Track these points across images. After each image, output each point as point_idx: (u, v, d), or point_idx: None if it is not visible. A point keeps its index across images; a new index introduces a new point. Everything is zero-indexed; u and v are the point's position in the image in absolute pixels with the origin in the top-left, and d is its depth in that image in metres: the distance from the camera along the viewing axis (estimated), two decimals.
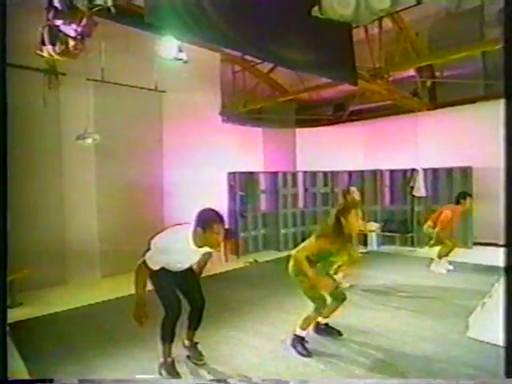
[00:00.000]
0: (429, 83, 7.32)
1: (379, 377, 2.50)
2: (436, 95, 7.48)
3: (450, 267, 5.14)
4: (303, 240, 7.87)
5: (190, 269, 2.66)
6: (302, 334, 2.87)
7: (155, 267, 2.38)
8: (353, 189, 5.03)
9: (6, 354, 2.25)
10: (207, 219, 2.32)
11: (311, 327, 3.01)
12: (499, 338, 2.85)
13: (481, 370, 2.54)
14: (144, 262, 2.39)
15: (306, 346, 2.84)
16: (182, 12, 3.34)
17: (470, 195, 5.32)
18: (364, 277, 4.75)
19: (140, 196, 5.80)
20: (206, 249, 2.49)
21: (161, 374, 2.55)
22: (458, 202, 5.20)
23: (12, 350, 2.77)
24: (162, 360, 2.57)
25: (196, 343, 2.77)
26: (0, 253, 2.19)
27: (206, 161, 6.50)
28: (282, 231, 7.29)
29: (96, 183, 5.41)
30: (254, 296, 4.32)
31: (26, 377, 2.56)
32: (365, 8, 3.71)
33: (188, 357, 2.75)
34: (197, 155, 6.39)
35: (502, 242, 6.16)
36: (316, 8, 4.12)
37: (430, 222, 5.28)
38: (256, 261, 6.34)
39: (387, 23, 5.66)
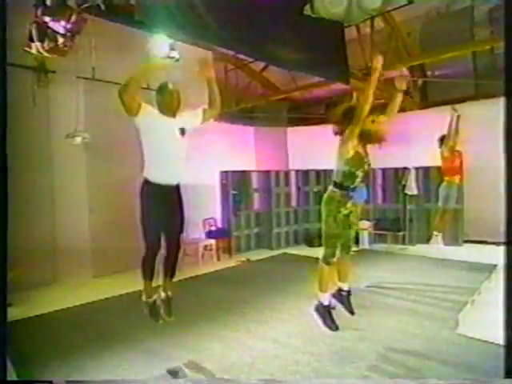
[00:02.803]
0: (420, 82, 7.38)
1: (371, 375, 2.52)
2: (427, 94, 7.54)
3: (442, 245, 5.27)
4: (296, 239, 7.86)
5: (179, 208, 2.73)
6: (325, 299, 2.79)
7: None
8: None
9: (5, 354, 2.21)
10: (159, 86, 2.68)
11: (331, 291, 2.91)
12: (489, 335, 2.90)
13: (470, 366, 2.57)
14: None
15: (334, 316, 2.76)
16: (173, 10, 3.32)
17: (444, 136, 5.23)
18: (355, 275, 4.76)
19: (131, 195, 5.72)
20: (180, 122, 2.63)
21: (144, 311, 2.68)
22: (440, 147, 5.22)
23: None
24: (143, 297, 2.69)
25: (170, 298, 2.77)
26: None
27: (197, 159, 6.46)
28: (275, 230, 7.30)
29: (87, 182, 5.36)
30: (247, 295, 4.31)
31: (14, 378, 2.52)
32: (356, 7, 3.72)
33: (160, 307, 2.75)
34: (189, 154, 6.34)
35: (491, 240, 6.26)
36: (308, 7, 4.13)
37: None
38: (249, 260, 6.34)
39: (379, 23, 5.68)
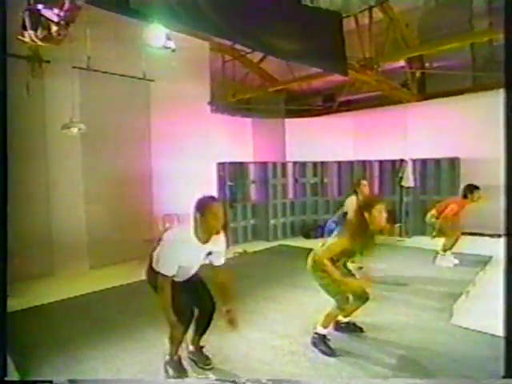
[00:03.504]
0: (418, 74, 7.35)
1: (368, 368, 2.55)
2: (425, 86, 7.52)
3: (456, 261, 4.96)
4: (292, 231, 7.88)
5: (199, 276, 2.56)
6: (324, 331, 2.75)
7: (169, 271, 2.24)
8: (364, 182, 4.73)
9: (5, 354, 2.20)
10: (204, 203, 2.24)
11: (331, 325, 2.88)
12: (483, 325, 2.93)
13: (464, 356, 2.60)
14: (161, 274, 2.24)
15: (329, 344, 2.72)
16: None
17: (478, 188, 4.81)
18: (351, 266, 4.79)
19: (128, 186, 5.74)
20: (211, 246, 2.34)
21: (166, 371, 2.46)
22: (465, 196, 4.85)
23: None
24: (167, 358, 2.48)
25: (202, 347, 2.64)
26: None
27: (194, 151, 6.44)
28: (272, 221, 7.31)
29: (83, 173, 5.33)
30: (243, 286, 4.33)
31: (13, 370, 2.53)
32: None
33: (193, 361, 2.61)
34: (185, 145, 6.33)
35: (487, 232, 6.27)
36: None
37: (433, 212, 5.06)
38: (245, 251, 6.35)
39: (377, 14, 5.64)
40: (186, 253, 2.27)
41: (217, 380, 2.47)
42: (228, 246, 7.06)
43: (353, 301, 2.71)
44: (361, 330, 3.02)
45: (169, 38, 4.65)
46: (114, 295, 4.15)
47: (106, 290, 4.28)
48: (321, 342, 2.73)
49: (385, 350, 2.74)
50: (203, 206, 2.22)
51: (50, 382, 2.32)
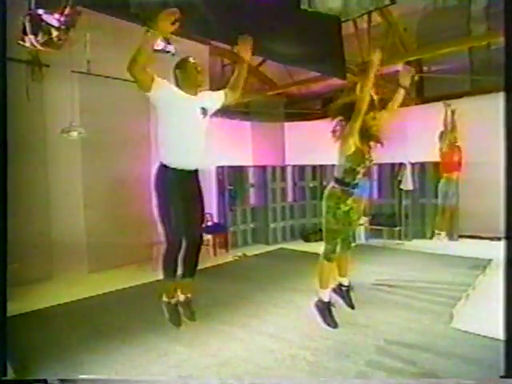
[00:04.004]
0: (416, 78, 7.38)
1: (366, 369, 2.54)
2: (423, 90, 7.55)
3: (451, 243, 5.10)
4: (292, 234, 7.85)
5: (199, 196, 2.51)
6: (326, 295, 2.75)
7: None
8: None
9: (5, 353, 2.19)
10: (182, 59, 2.47)
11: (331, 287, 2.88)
12: (483, 328, 2.93)
13: (464, 359, 2.60)
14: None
15: (334, 313, 2.70)
16: (169, 3, 3.28)
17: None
18: (351, 270, 4.78)
19: (127, 190, 5.74)
20: (201, 100, 2.43)
21: (165, 314, 2.49)
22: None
23: None
24: (165, 299, 2.50)
25: (189, 300, 2.60)
26: None
27: None
28: (271, 225, 7.30)
29: (82, 177, 5.33)
30: (243, 290, 4.32)
31: (11, 374, 2.52)
32: (353, 1, 3.70)
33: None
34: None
35: (486, 235, 6.28)
36: (305, 0, 4.10)
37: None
38: (245, 255, 6.35)
39: (376, 18, 5.67)
40: (179, 107, 2.32)
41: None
42: (228, 250, 7.05)
43: (340, 249, 2.81)
44: (352, 307, 3.04)
45: (168, 43, 4.66)
46: (114, 299, 4.14)
47: (106, 293, 4.27)
48: (325, 309, 2.73)
49: (385, 353, 2.74)
50: (182, 61, 2.46)
51: (45, 381, 2.31)
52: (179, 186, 2.35)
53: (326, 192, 2.79)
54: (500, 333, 2.13)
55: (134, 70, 2.25)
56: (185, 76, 2.40)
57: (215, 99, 2.56)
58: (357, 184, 2.74)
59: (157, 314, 2.96)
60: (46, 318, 3.65)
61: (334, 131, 2.76)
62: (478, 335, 2.91)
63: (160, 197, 2.41)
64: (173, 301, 2.50)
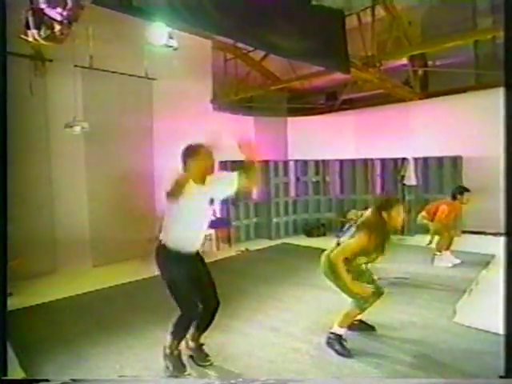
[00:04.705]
0: (421, 72, 7.32)
1: (369, 361, 2.55)
2: (428, 84, 7.49)
3: (457, 261, 4.90)
4: (295, 229, 7.85)
5: (207, 269, 2.57)
6: (341, 331, 2.71)
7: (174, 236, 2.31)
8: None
9: (6, 353, 2.21)
10: (190, 148, 2.34)
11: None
12: (486, 324, 2.93)
13: (467, 354, 2.60)
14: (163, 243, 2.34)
15: (345, 344, 2.68)
16: None
17: (468, 190, 4.90)
18: None
19: (131, 185, 5.75)
20: (210, 188, 2.36)
21: (167, 366, 2.45)
22: (454, 197, 4.87)
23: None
24: (167, 351, 2.46)
25: (201, 344, 2.62)
26: None
27: None
28: (274, 220, 7.31)
29: (86, 172, 5.35)
30: (246, 284, 4.34)
31: (17, 367, 2.55)
32: None
33: (191, 357, 2.59)
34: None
35: (489, 231, 6.24)
36: None
37: (424, 213, 5.09)
38: (248, 249, 6.36)
39: (380, 12, 5.62)
40: (188, 198, 2.23)
41: (218, 379, 2.48)
42: (231, 245, 7.06)
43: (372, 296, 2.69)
44: (372, 328, 3.01)
45: (171, 37, 4.65)
46: (117, 293, 4.17)
47: (109, 288, 4.30)
48: (337, 342, 2.69)
49: (387, 349, 2.75)
50: (194, 149, 2.31)
51: (47, 380, 2.33)
52: (184, 265, 2.36)
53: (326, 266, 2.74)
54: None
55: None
56: (198, 164, 2.30)
57: (226, 185, 2.49)
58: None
59: (160, 308, 2.99)
60: (50, 311, 3.68)
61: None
62: (481, 330, 2.91)
63: (164, 275, 2.38)
64: (176, 352, 2.46)
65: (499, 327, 2.25)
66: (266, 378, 2.36)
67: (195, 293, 2.42)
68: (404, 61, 6.94)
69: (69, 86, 4.88)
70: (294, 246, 6.60)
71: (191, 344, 2.62)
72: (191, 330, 2.55)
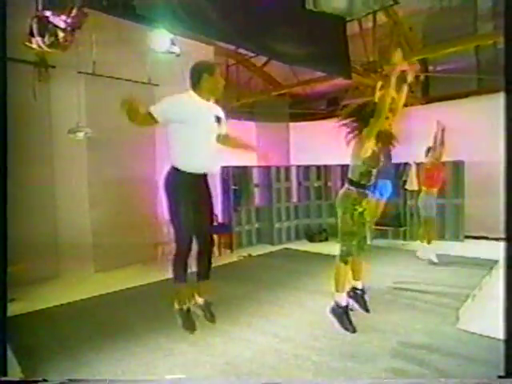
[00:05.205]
0: (422, 77, 7.34)
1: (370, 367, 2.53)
2: (429, 89, 7.51)
3: (435, 260, 5.01)
4: (297, 234, 7.82)
5: (209, 199, 2.57)
6: (343, 299, 2.71)
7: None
8: None
9: (5, 353, 2.21)
10: (205, 63, 2.51)
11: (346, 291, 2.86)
12: (489, 329, 2.91)
13: (470, 360, 2.58)
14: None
15: (351, 317, 2.67)
16: (174, 4, 3.30)
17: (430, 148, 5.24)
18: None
19: (133, 190, 5.77)
20: (215, 110, 2.46)
21: (178, 321, 2.50)
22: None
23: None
24: (177, 306, 2.50)
25: (209, 303, 2.67)
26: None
27: None
28: (276, 225, 7.30)
29: (88, 177, 5.37)
30: (248, 290, 4.33)
31: (18, 373, 2.54)
32: (358, 0, 3.70)
33: (199, 312, 2.67)
34: None
35: (492, 236, 6.23)
36: (310, 0, 4.10)
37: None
38: (250, 255, 6.35)
39: (381, 17, 5.65)
40: (193, 114, 2.33)
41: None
42: (232, 250, 7.05)
43: (355, 250, 2.80)
44: (367, 311, 3.02)
45: (173, 43, 4.69)
46: (119, 298, 4.17)
47: (111, 293, 4.30)
48: (342, 313, 2.69)
49: (390, 353, 2.73)
50: (211, 66, 2.47)
51: (45, 380, 2.33)
52: (189, 189, 2.38)
53: (341, 194, 2.79)
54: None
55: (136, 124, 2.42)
56: (212, 81, 2.42)
57: (221, 111, 2.61)
58: (371, 186, 2.74)
59: (162, 314, 2.99)
60: (52, 316, 3.67)
61: (349, 132, 2.74)
62: (485, 336, 2.89)
63: (170, 199, 2.43)
64: (185, 307, 2.51)
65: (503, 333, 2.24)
66: (265, 381, 2.36)
67: (194, 221, 2.42)
68: (405, 66, 6.96)
69: (72, 91, 4.92)
70: (295, 252, 6.57)
71: (199, 300, 2.64)
72: (194, 282, 2.58)
